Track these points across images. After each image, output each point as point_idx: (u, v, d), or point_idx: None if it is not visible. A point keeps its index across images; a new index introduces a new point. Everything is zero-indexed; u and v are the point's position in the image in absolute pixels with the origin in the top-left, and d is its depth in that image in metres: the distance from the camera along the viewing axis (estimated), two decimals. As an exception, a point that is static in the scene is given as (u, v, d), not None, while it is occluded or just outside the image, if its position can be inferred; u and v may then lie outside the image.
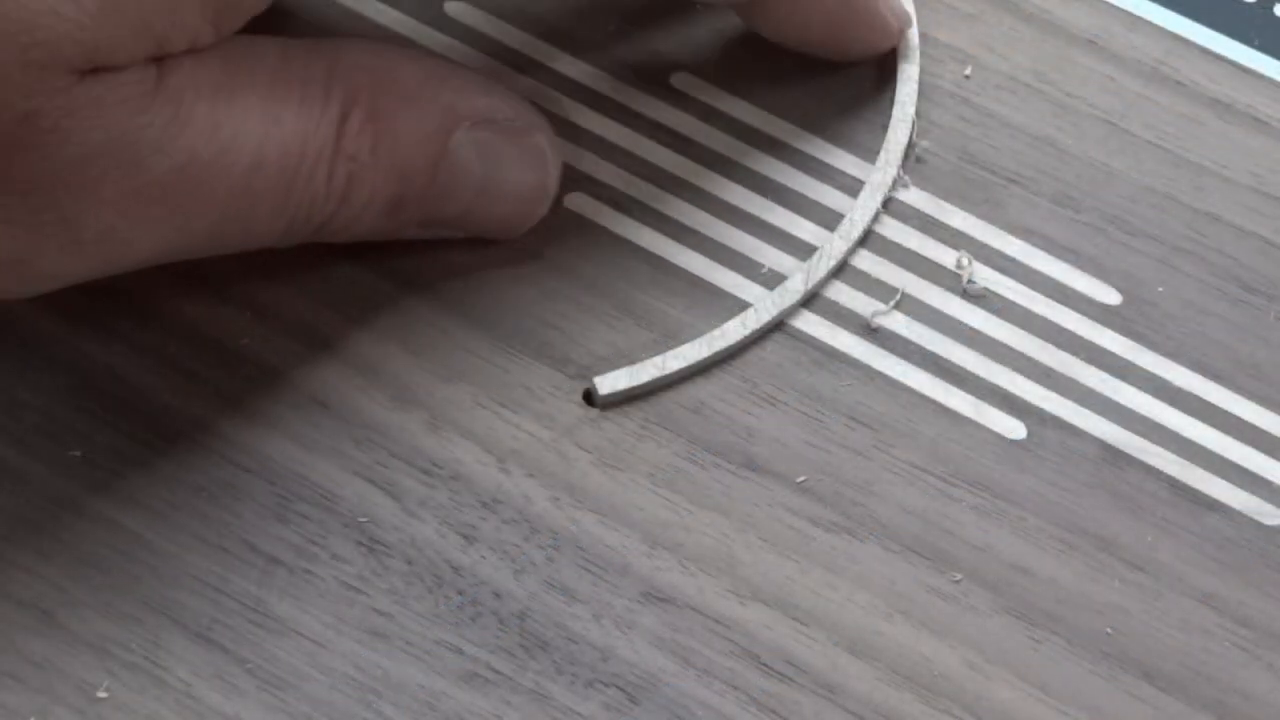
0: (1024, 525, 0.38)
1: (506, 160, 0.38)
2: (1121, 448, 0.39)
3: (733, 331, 0.39)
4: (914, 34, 0.42)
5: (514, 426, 0.38)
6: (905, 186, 0.41)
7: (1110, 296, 0.40)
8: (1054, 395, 0.39)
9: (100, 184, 0.34)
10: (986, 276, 0.40)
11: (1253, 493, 0.38)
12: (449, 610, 0.36)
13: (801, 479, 0.38)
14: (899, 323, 0.40)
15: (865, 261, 0.40)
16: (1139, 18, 0.43)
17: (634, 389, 0.38)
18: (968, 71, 0.42)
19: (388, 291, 0.39)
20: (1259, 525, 0.38)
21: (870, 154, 0.41)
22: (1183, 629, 0.37)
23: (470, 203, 0.38)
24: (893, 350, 0.39)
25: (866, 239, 0.41)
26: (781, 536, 0.37)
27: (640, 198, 0.41)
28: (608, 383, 0.38)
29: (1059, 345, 0.40)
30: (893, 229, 0.41)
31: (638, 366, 0.38)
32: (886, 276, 0.40)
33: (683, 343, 0.39)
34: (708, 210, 0.41)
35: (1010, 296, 0.40)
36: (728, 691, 0.36)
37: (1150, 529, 0.38)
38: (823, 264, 0.40)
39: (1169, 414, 0.39)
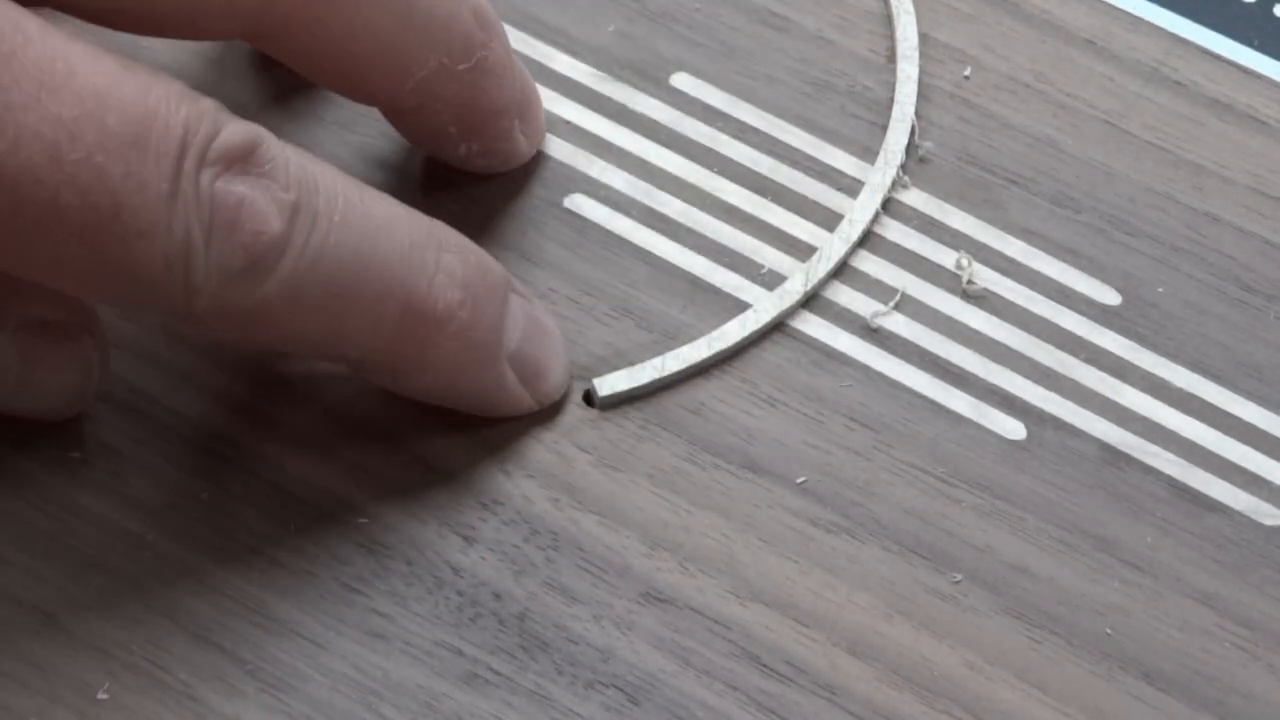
0: (1024, 525, 0.38)
1: (49, 363, 0.36)
2: (1121, 448, 0.39)
3: (732, 332, 0.39)
4: (914, 34, 0.42)
5: (514, 427, 0.38)
6: (905, 187, 0.41)
7: (1110, 297, 0.40)
8: (1054, 395, 0.39)
9: None
10: (986, 277, 0.40)
11: (1253, 493, 0.38)
12: (449, 611, 0.36)
13: (801, 480, 0.38)
14: (899, 323, 0.40)
15: (865, 262, 0.40)
16: (1139, 18, 0.43)
17: (634, 390, 0.38)
18: (967, 72, 0.43)
19: (388, 292, 0.39)
20: (1259, 525, 0.38)
21: (870, 154, 0.41)
22: (1183, 629, 0.37)
23: (3, 397, 0.36)
24: (893, 351, 0.39)
25: (866, 239, 0.41)
26: (781, 537, 0.37)
27: (640, 198, 0.41)
28: (607, 384, 0.38)
29: (1059, 345, 0.40)
30: (892, 229, 0.41)
31: (637, 368, 0.38)
32: (886, 277, 0.40)
33: (682, 343, 0.39)
34: (707, 210, 0.41)
35: (1010, 297, 0.40)
36: (728, 692, 0.36)
37: (1150, 529, 0.38)
38: (822, 265, 0.40)
39: (1169, 414, 0.39)
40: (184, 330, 0.37)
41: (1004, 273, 0.40)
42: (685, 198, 0.41)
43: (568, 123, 0.41)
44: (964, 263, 0.40)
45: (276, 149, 0.33)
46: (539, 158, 0.41)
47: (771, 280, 0.40)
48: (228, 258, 0.32)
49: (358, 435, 0.38)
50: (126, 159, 0.31)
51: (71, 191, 0.31)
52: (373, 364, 0.36)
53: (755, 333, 0.39)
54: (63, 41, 0.32)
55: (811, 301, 0.40)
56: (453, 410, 0.38)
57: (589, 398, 0.38)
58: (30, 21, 0.31)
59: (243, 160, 0.33)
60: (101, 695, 0.35)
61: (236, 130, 0.33)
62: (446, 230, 0.36)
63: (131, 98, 0.32)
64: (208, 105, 0.33)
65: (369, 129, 0.41)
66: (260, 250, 0.33)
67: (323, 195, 0.34)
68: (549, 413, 0.38)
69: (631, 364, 0.39)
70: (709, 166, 0.41)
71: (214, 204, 0.32)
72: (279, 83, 0.41)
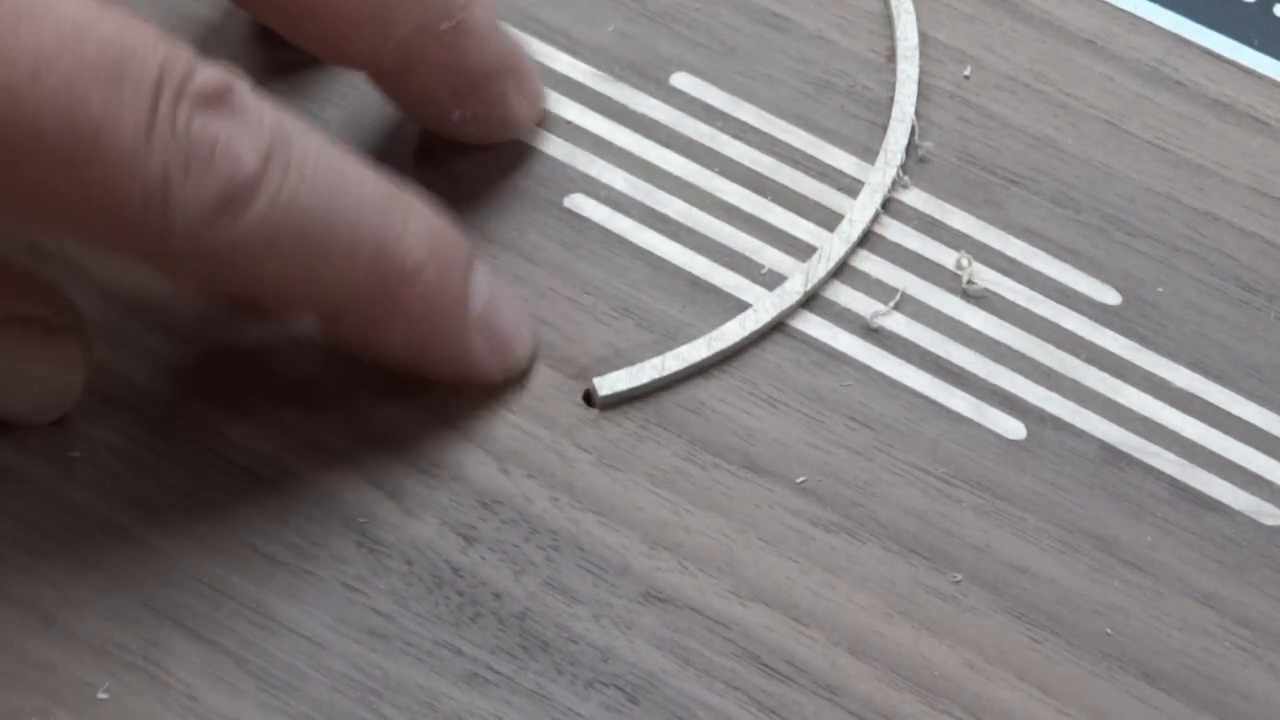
0: (1024, 525, 0.38)
1: (34, 361, 0.36)
2: (1121, 448, 0.39)
3: (732, 332, 0.39)
4: (914, 34, 0.42)
5: (514, 427, 0.38)
6: (905, 187, 0.41)
7: (1110, 296, 0.40)
8: (1054, 395, 0.39)
9: None
10: (986, 277, 0.40)
11: (1253, 493, 0.38)
12: (449, 611, 0.36)
13: (801, 479, 0.38)
14: (899, 323, 0.40)
15: (865, 262, 0.40)
16: (1139, 18, 0.43)
17: (634, 390, 0.38)
18: (967, 72, 0.43)
19: (388, 292, 0.39)
20: (1259, 525, 0.38)
21: (870, 154, 0.41)
22: (1183, 629, 0.37)
23: None
24: (893, 351, 0.39)
25: (866, 239, 0.41)
26: (781, 537, 0.37)
27: (640, 198, 0.41)
28: (607, 383, 0.38)
29: (1059, 345, 0.40)
30: (892, 229, 0.41)
31: (637, 367, 0.38)
32: (886, 277, 0.40)
33: (682, 343, 0.39)
34: (708, 210, 0.41)
35: (1010, 297, 0.40)
36: (728, 692, 0.36)
37: (1150, 529, 0.38)
38: (822, 265, 0.40)
39: (1169, 414, 0.39)
40: (162, 281, 0.38)
41: (1004, 273, 0.40)
42: (685, 198, 0.41)
43: (568, 123, 0.41)
44: (964, 263, 0.40)
45: (250, 97, 0.34)
46: (539, 157, 0.41)
47: (771, 280, 0.40)
48: (203, 193, 0.33)
49: (358, 435, 0.38)
50: (104, 86, 0.32)
51: (53, 113, 0.31)
52: (343, 317, 0.36)
53: (755, 333, 0.39)
54: None
55: (811, 301, 0.40)
56: (453, 409, 0.38)
57: (589, 398, 0.38)
58: None
59: (218, 101, 0.33)
60: (101, 695, 0.35)
61: (213, 73, 0.33)
62: (415, 197, 0.36)
63: (109, 34, 0.32)
64: (183, 49, 0.33)
65: (370, 129, 0.41)
66: (235, 188, 0.33)
67: (296, 146, 0.34)
68: (548, 413, 0.38)
69: (631, 364, 0.39)
70: (709, 166, 0.41)
71: (190, 140, 0.32)
72: (276, 60, 0.41)
